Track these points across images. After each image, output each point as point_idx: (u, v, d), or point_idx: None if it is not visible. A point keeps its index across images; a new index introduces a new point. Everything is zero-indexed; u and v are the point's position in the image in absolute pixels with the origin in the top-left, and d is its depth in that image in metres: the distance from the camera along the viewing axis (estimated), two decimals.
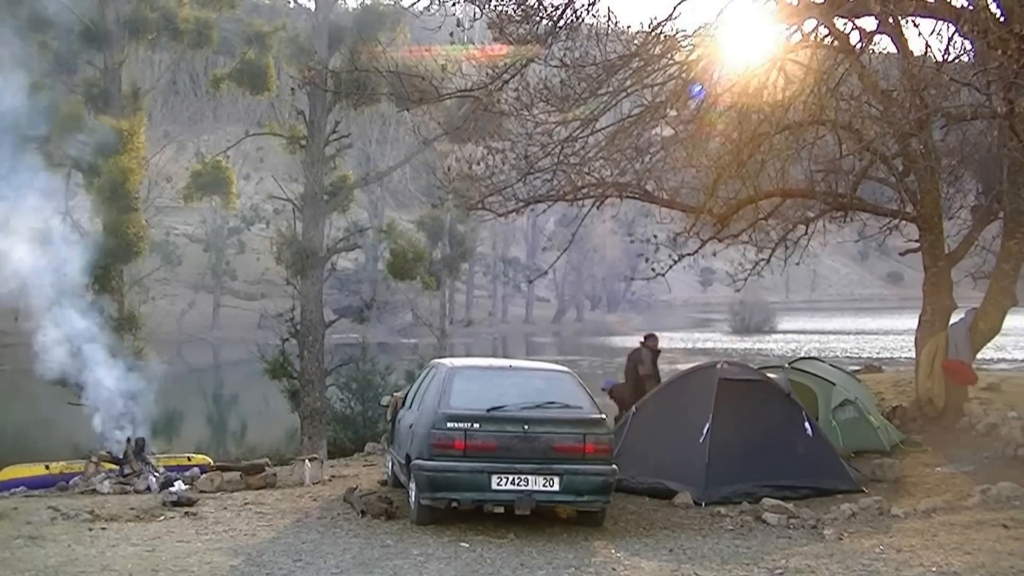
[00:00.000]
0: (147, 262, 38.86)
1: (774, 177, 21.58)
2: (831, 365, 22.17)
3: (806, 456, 17.19)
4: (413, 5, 31.29)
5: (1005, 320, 21.98)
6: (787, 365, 21.45)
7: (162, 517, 15.17)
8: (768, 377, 18.74)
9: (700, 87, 19.23)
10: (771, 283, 59.38)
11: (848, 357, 57.74)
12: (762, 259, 23.79)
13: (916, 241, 22.52)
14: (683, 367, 22.28)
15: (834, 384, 20.26)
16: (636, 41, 20.45)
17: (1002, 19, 15.79)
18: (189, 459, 22.60)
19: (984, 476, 16.98)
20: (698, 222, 22.22)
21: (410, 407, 16.08)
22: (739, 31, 18.83)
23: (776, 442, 17.15)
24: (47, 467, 20.86)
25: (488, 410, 14.14)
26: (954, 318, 21.79)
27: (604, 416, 14.85)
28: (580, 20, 18.97)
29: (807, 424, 17.52)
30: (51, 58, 35.32)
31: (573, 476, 14.01)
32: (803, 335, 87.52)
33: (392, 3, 35.76)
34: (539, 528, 14.25)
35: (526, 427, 14.02)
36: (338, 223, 46.45)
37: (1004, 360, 51.05)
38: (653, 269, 22.87)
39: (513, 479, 13.84)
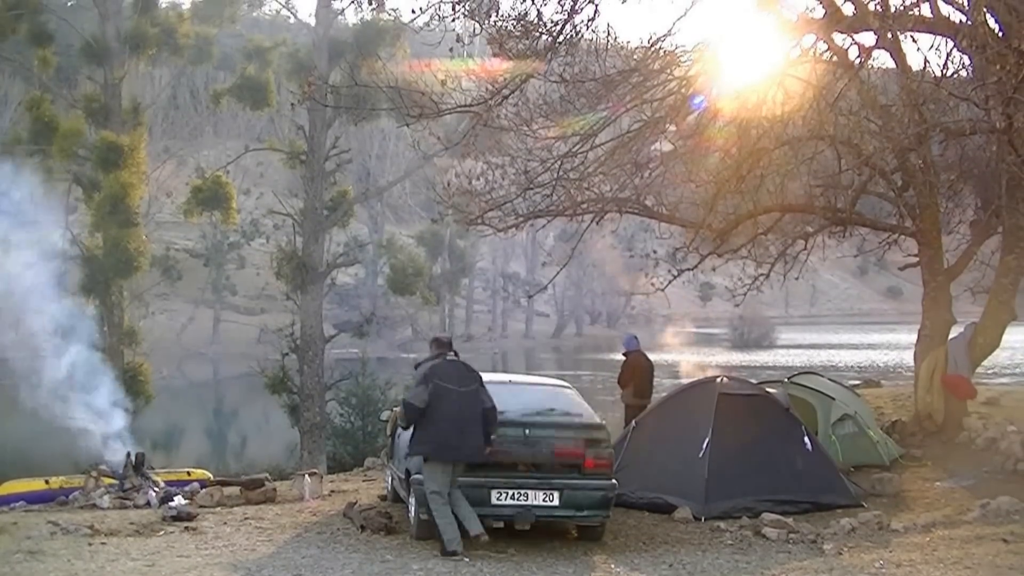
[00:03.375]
0: (147, 277, 38.95)
1: (773, 192, 21.61)
2: (830, 380, 22.15)
3: (805, 471, 17.17)
4: (413, 21, 31.38)
5: (1004, 335, 21.99)
6: (786, 380, 21.44)
7: (162, 532, 15.15)
8: (767, 392, 18.76)
9: (701, 98, 19.27)
10: (770, 298, 59.40)
11: (847, 371, 57.72)
12: (761, 274, 23.80)
13: (915, 256, 22.54)
14: (684, 381, 22.27)
15: (833, 399, 20.25)
16: (635, 56, 20.51)
17: (1000, 34, 15.86)
18: (189, 474, 22.56)
19: (984, 490, 16.98)
20: (697, 237, 22.24)
21: None
22: (738, 46, 18.88)
23: (776, 457, 17.15)
24: (46, 482, 20.81)
25: None
26: (953, 332, 21.81)
27: (604, 430, 14.86)
28: (579, 36, 19.01)
29: (806, 439, 17.51)
30: (52, 73, 35.45)
31: (573, 491, 14.01)
32: (802, 349, 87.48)
33: (392, 19, 35.92)
34: (539, 543, 14.25)
35: (527, 431, 14.03)
36: (338, 238, 46.59)
37: (1003, 374, 51.03)
38: (652, 284, 22.91)
39: (513, 494, 13.85)
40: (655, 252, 24.41)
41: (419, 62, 25.60)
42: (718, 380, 18.38)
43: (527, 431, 14.08)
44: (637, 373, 21.60)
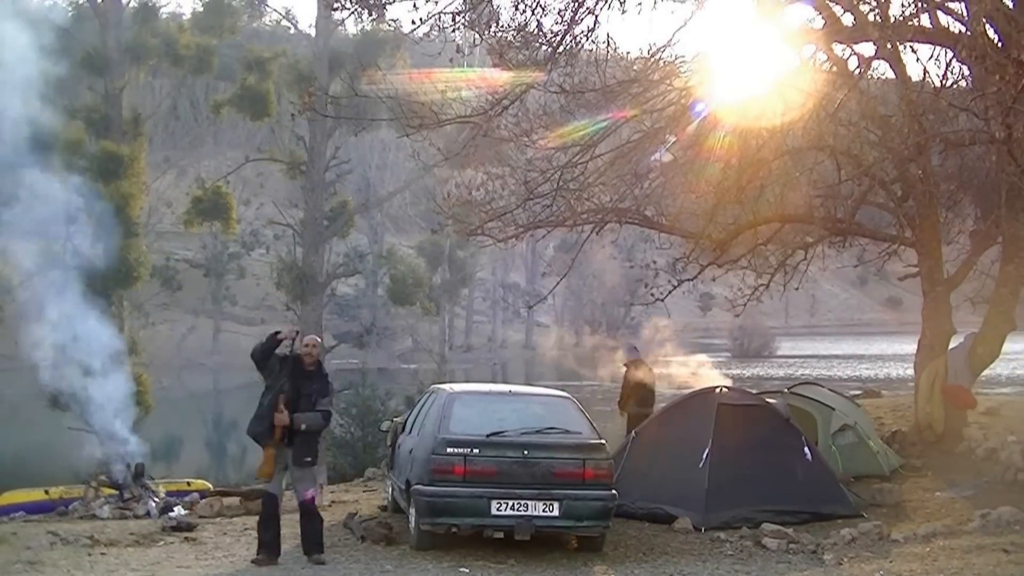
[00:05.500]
0: (147, 287, 38.98)
1: (773, 202, 21.62)
2: (830, 390, 22.13)
3: (806, 481, 17.16)
4: (413, 31, 31.48)
5: (1004, 344, 21.98)
6: (786, 390, 21.42)
7: (161, 542, 15.16)
8: (767, 402, 18.74)
9: (702, 106, 19.28)
10: (770, 308, 59.30)
11: (847, 382, 57.66)
12: (761, 284, 23.79)
13: (915, 266, 22.54)
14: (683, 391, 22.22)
15: (833, 409, 20.22)
16: (635, 67, 20.53)
17: (999, 44, 15.87)
18: (189, 484, 22.60)
19: (984, 500, 16.94)
20: (697, 247, 22.24)
21: (410, 432, 16.09)
22: (738, 57, 18.91)
23: (775, 467, 17.13)
24: (46, 492, 20.85)
25: (488, 435, 14.16)
26: (953, 343, 21.80)
27: (604, 441, 14.86)
28: (579, 46, 19.04)
29: (806, 449, 17.49)
30: (52, 83, 35.45)
31: (573, 501, 14.01)
32: (802, 360, 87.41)
33: (392, 29, 35.98)
34: (539, 553, 14.23)
35: (526, 452, 14.04)
36: (338, 248, 46.58)
37: (1003, 384, 50.98)
38: (652, 294, 22.89)
39: (513, 504, 13.84)
40: (655, 262, 24.35)
41: (419, 73, 25.64)
42: (717, 390, 18.39)
43: (526, 452, 14.08)
44: (638, 383, 21.52)
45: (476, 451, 13.98)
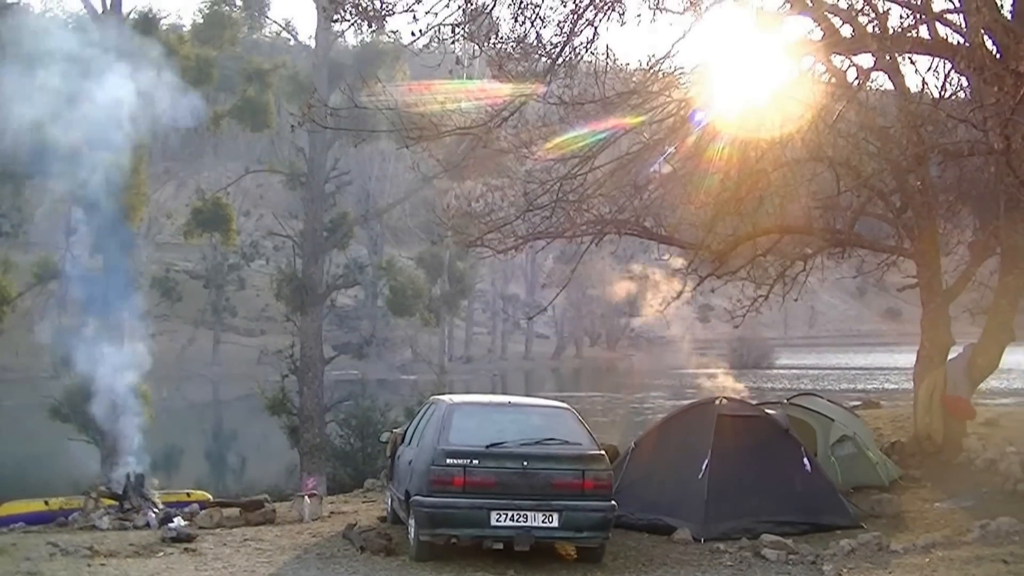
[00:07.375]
0: (147, 298, 38.96)
1: (772, 213, 21.65)
2: (829, 401, 22.14)
3: (805, 492, 17.16)
4: (413, 43, 31.46)
5: (1003, 355, 21.99)
6: (785, 401, 21.42)
7: (161, 553, 15.14)
8: (767, 413, 18.74)
9: (701, 117, 19.31)
10: (769, 319, 59.26)
11: (846, 392, 57.64)
12: (760, 295, 23.81)
13: (914, 277, 22.56)
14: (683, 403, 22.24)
15: (833, 420, 20.23)
16: (635, 79, 20.57)
17: (998, 55, 15.90)
18: (188, 495, 22.54)
19: (983, 511, 16.94)
20: (697, 259, 22.27)
21: (409, 443, 16.09)
22: (737, 68, 18.93)
23: (775, 478, 17.13)
24: (46, 503, 20.79)
25: (487, 446, 14.16)
26: (952, 354, 21.81)
27: (603, 452, 14.86)
28: (578, 58, 19.07)
29: (806, 460, 17.50)
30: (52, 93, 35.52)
31: (572, 512, 14.00)
32: (802, 371, 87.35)
33: (392, 41, 36.02)
34: (538, 564, 14.23)
35: (525, 463, 14.04)
36: (338, 259, 46.60)
37: (1002, 395, 50.95)
38: (651, 305, 22.90)
39: (512, 515, 13.83)
40: (654, 273, 24.42)
41: (419, 84, 25.68)
42: (717, 402, 18.38)
43: (525, 463, 14.08)
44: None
45: (475, 462, 13.99)
